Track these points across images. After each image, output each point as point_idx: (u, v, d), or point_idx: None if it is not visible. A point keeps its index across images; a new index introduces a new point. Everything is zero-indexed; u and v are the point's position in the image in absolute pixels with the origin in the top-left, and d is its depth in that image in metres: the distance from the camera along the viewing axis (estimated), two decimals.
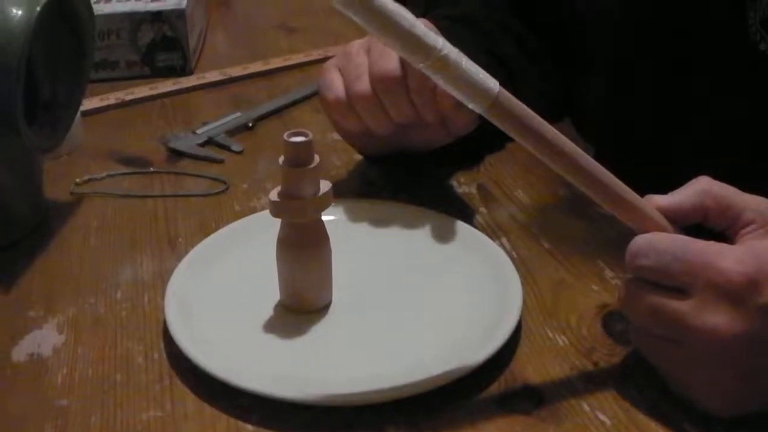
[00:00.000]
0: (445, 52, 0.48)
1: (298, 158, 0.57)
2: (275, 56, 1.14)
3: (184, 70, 1.10)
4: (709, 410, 0.53)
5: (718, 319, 0.49)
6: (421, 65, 0.48)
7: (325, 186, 0.59)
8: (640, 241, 0.53)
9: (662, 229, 0.54)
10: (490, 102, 0.50)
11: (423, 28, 0.48)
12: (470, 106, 0.50)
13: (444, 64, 0.48)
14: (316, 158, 0.58)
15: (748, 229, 0.53)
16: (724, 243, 0.52)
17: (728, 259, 0.50)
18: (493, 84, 0.50)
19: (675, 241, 0.52)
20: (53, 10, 0.68)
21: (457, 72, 0.48)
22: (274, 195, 0.58)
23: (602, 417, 0.54)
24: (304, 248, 0.60)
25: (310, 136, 0.57)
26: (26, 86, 0.65)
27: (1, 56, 0.63)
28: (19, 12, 0.65)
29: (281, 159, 0.57)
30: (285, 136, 0.57)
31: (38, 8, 0.65)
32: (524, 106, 0.51)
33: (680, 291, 0.51)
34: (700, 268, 0.50)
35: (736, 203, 0.54)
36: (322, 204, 0.59)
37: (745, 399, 0.52)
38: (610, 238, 0.72)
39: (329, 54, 1.14)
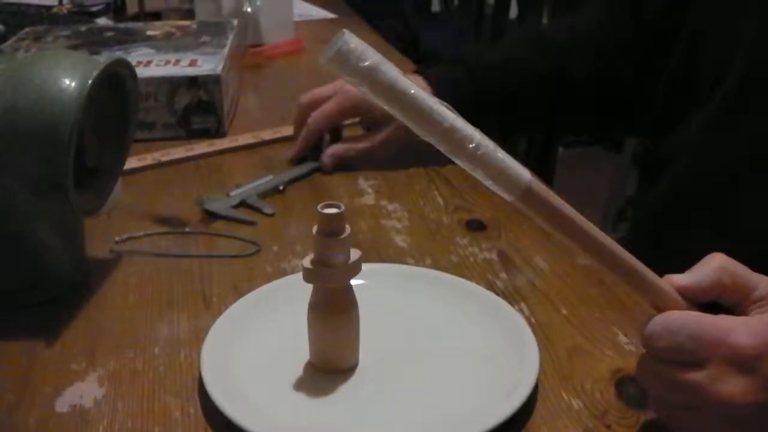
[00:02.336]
0: (480, 149, 0.50)
1: (331, 228, 0.60)
2: None
3: (218, 133, 1.14)
4: None
5: (732, 388, 0.52)
6: (456, 158, 0.51)
7: (355, 254, 0.62)
8: (654, 324, 0.55)
9: (677, 306, 0.57)
10: (521, 192, 0.52)
11: (461, 123, 0.50)
12: (502, 194, 0.52)
13: (478, 157, 0.50)
14: (348, 228, 0.61)
15: (758, 304, 0.56)
16: (734, 316, 0.55)
17: (739, 333, 0.53)
18: (524, 174, 0.52)
19: (687, 320, 0.54)
20: (103, 80, 0.72)
21: (490, 162, 0.51)
22: (307, 262, 0.62)
23: None
24: (333, 313, 0.63)
25: (343, 208, 0.61)
26: (75, 153, 0.69)
27: (55, 127, 0.67)
28: (73, 84, 0.69)
29: (315, 228, 0.61)
30: (319, 207, 0.60)
31: (90, 80, 0.69)
32: (555, 195, 0.54)
33: (695, 364, 0.53)
34: (713, 344, 0.53)
35: (749, 281, 0.57)
36: (352, 271, 0.62)
37: None
38: (625, 305, 0.75)
39: (358, 119, 1.18)
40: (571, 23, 1.09)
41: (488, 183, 0.52)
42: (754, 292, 0.56)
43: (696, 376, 0.53)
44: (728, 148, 0.84)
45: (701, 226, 0.86)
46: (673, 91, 0.94)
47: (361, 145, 1.05)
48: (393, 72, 0.49)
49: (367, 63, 0.48)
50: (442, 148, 0.51)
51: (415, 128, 0.51)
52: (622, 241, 0.79)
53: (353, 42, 0.48)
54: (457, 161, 0.51)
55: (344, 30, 0.49)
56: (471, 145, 0.50)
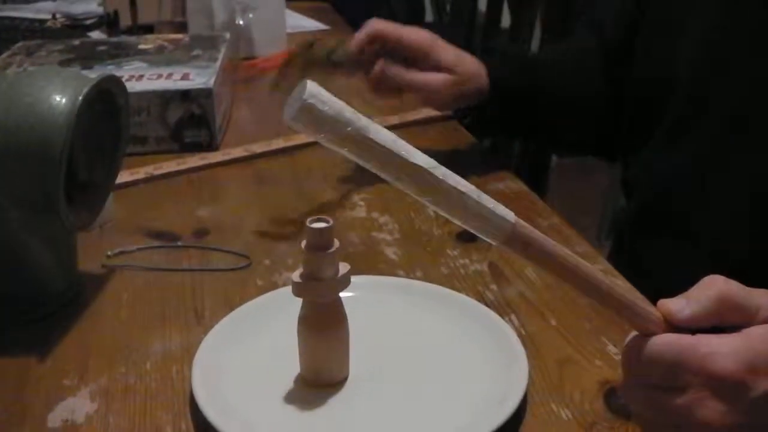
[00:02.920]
0: (464, 196, 0.48)
1: (320, 242, 0.61)
2: (297, 133, 1.18)
3: (210, 146, 1.15)
4: None
5: (711, 413, 0.51)
6: (424, 200, 0.48)
7: (344, 268, 0.63)
8: (633, 352, 0.54)
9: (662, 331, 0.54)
10: (506, 236, 0.50)
11: (444, 170, 0.48)
12: (487, 239, 0.50)
13: (463, 203, 0.48)
14: (336, 243, 0.62)
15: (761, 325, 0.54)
16: (723, 334, 0.53)
17: (719, 358, 0.51)
18: (509, 217, 0.50)
19: (667, 347, 0.52)
20: (93, 97, 0.72)
21: (474, 210, 0.49)
22: (296, 276, 0.62)
23: None
24: (323, 327, 0.64)
25: (332, 222, 0.61)
26: (66, 169, 0.70)
27: (46, 144, 0.67)
28: (63, 101, 0.69)
29: (303, 243, 0.61)
30: (308, 222, 0.61)
31: (80, 97, 0.70)
32: (540, 235, 0.52)
33: (677, 388, 0.52)
34: (692, 371, 0.51)
35: (750, 304, 0.54)
36: (341, 285, 0.63)
37: None
38: (614, 316, 0.75)
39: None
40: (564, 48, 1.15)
41: (471, 229, 0.50)
42: (758, 315, 0.54)
43: (678, 400, 0.52)
44: (680, 165, 0.89)
45: (667, 238, 0.91)
46: (634, 115, 0.98)
47: (417, 78, 1.01)
48: (365, 121, 0.47)
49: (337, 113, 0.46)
50: (424, 198, 0.48)
51: (392, 176, 0.48)
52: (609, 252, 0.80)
53: (318, 92, 0.45)
54: (438, 209, 0.49)
55: (306, 81, 0.45)
56: (456, 191, 0.48)
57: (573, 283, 0.54)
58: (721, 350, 0.51)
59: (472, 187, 0.49)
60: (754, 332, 0.53)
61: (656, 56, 0.93)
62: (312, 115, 0.45)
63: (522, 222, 0.51)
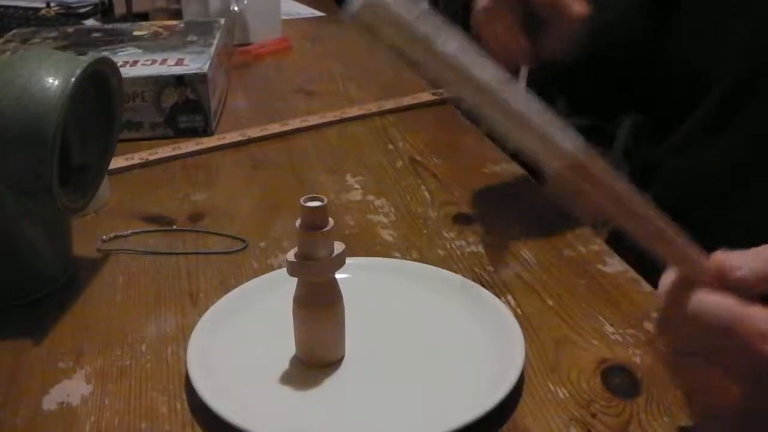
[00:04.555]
0: (521, 108, 0.46)
1: (314, 221, 0.60)
2: (293, 118, 1.19)
3: (205, 131, 1.15)
4: None
5: (743, 400, 0.47)
6: (487, 113, 0.46)
7: (339, 247, 0.63)
8: (676, 298, 0.48)
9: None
10: (569, 160, 0.47)
11: (497, 76, 0.45)
12: (548, 162, 0.47)
13: (517, 118, 0.46)
14: (331, 221, 0.61)
15: None
16: None
17: None
18: (575, 141, 0.47)
19: (721, 310, 0.47)
20: (86, 78, 0.72)
21: (533, 127, 0.46)
22: (291, 256, 0.62)
23: None
24: (318, 306, 0.63)
25: (325, 200, 0.61)
26: (59, 152, 0.69)
27: (39, 126, 0.67)
28: (56, 82, 0.69)
29: (298, 222, 0.61)
30: (301, 200, 0.61)
31: (73, 78, 0.69)
32: (602, 166, 0.48)
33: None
34: (742, 348, 0.46)
35: None
36: (336, 264, 0.63)
37: None
38: (611, 295, 0.75)
39: (345, 116, 1.19)
40: None
41: (533, 149, 0.47)
42: None
43: (711, 369, 0.48)
44: (721, 149, 0.85)
45: (699, 226, 0.87)
46: (668, 93, 0.95)
47: None
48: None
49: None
50: (487, 112, 0.46)
51: (456, 87, 0.46)
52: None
53: None
54: (500, 125, 0.46)
55: None
56: (520, 110, 0.46)
57: (625, 220, 0.49)
58: None
59: (541, 106, 0.46)
60: None
61: (699, 44, 0.89)
62: (374, 13, 0.43)
63: (587, 149, 0.47)
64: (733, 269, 0.48)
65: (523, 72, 0.87)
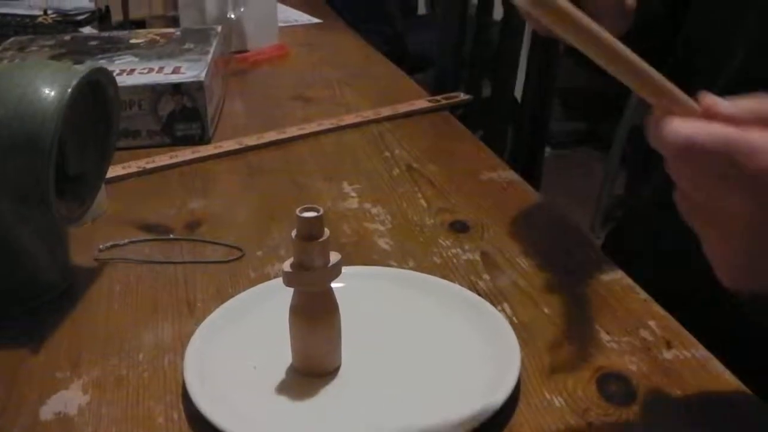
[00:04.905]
0: None
1: (310, 232, 0.61)
2: (290, 125, 1.19)
3: (202, 139, 1.15)
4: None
5: (741, 208, 0.49)
6: None
7: (335, 257, 0.63)
8: (679, 140, 0.49)
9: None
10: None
11: None
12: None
13: None
14: (326, 232, 0.62)
15: None
16: None
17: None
18: None
19: (713, 136, 0.48)
20: (83, 88, 0.72)
21: None
22: (287, 266, 0.62)
23: None
24: (314, 316, 0.64)
25: (321, 211, 0.61)
26: (56, 161, 0.69)
27: (35, 136, 0.67)
28: (52, 93, 0.69)
29: (294, 232, 0.61)
30: (297, 211, 0.61)
31: (70, 89, 0.70)
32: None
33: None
34: (738, 165, 0.48)
35: None
36: (332, 275, 0.63)
37: (749, 281, 0.54)
38: (607, 302, 0.75)
39: (342, 123, 1.19)
40: None
41: None
42: None
43: (711, 188, 0.50)
44: None
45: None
46: (684, 74, 0.94)
47: None
48: None
49: None
50: None
51: None
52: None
53: None
54: None
55: None
56: None
57: (607, 60, 0.50)
58: None
59: None
60: None
61: (712, 31, 0.87)
62: None
63: None
64: (721, 106, 0.50)
65: None
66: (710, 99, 0.51)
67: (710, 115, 0.50)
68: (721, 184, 0.49)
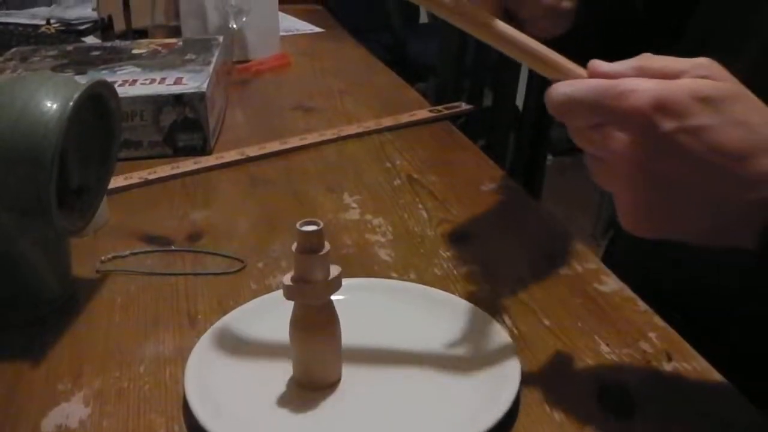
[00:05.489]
0: None
1: (310, 245, 0.61)
2: (292, 136, 1.19)
3: (204, 150, 1.15)
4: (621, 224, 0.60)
5: (620, 145, 0.56)
6: None
7: (335, 270, 0.63)
8: (559, 98, 0.58)
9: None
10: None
11: None
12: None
13: None
14: (327, 245, 0.62)
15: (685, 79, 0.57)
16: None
17: (632, 95, 0.55)
18: None
19: (588, 87, 0.57)
20: (84, 101, 0.72)
21: None
22: (287, 279, 0.62)
23: None
24: (314, 329, 0.64)
25: (321, 225, 0.61)
26: (58, 174, 0.70)
27: (37, 150, 0.67)
28: (54, 106, 0.69)
29: (294, 246, 0.61)
30: (298, 225, 0.61)
31: (71, 102, 0.70)
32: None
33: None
34: (610, 109, 0.56)
35: (674, 68, 0.57)
36: (332, 288, 0.63)
37: (647, 227, 0.60)
38: (607, 314, 0.76)
39: (344, 134, 1.20)
40: None
41: None
42: (682, 76, 0.57)
43: (595, 134, 0.57)
44: None
45: None
46: None
47: None
48: None
49: None
50: None
51: None
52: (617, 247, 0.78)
53: None
54: None
55: None
56: None
57: (498, 45, 0.62)
58: (638, 88, 0.55)
59: None
60: (676, 81, 0.56)
61: (723, 24, 0.88)
62: None
63: None
64: (602, 66, 0.58)
65: None
66: (595, 62, 0.59)
67: (593, 75, 0.58)
68: (602, 131, 0.57)
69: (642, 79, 0.56)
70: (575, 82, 0.58)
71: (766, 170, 0.55)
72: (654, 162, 0.56)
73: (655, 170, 0.56)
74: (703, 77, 0.56)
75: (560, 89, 0.58)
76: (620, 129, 0.56)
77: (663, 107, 0.54)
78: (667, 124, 0.54)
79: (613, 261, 0.88)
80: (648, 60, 0.58)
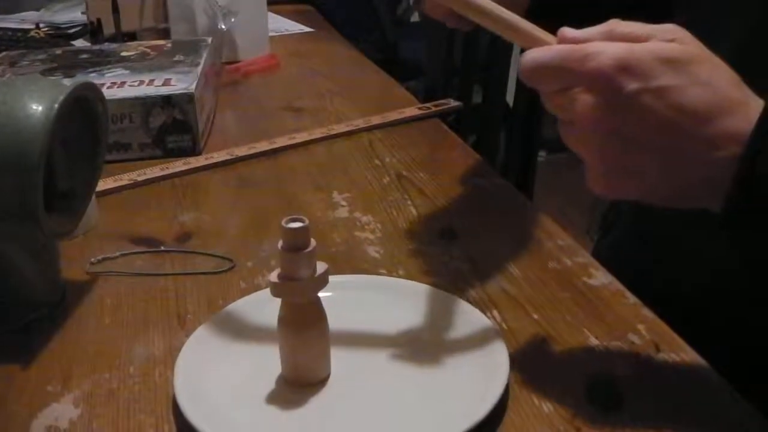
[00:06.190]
0: None
1: (296, 242, 0.61)
2: (281, 136, 1.19)
3: (193, 151, 1.15)
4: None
5: (584, 107, 0.57)
6: None
7: (321, 267, 0.63)
8: (528, 64, 0.59)
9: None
10: None
11: None
12: None
13: None
14: (312, 242, 0.62)
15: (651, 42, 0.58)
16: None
17: (596, 57, 0.56)
18: None
19: (553, 52, 0.58)
20: (70, 104, 0.72)
21: None
22: (274, 276, 0.62)
23: None
24: (302, 326, 0.64)
25: (307, 221, 0.61)
26: (45, 177, 0.70)
27: (24, 152, 0.67)
28: (39, 108, 0.69)
29: (280, 243, 0.62)
30: (283, 222, 0.61)
31: (57, 104, 0.70)
32: None
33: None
34: (576, 72, 0.57)
35: (641, 33, 0.58)
36: (319, 285, 0.63)
37: (614, 188, 0.61)
38: (596, 308, 0.76)
39: (333, 132, 1.20)
40: None
41: None
42: (651, 39, 0.58)
43: (562, 98, 0.59)
44: None
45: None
46: None
47: None
48: None
49: None
50: None
51: None
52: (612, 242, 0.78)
53: None
54: None
55: None
56: None
57: (471, 14, 0.63)
58: (602, 50, 0.56)
59: None
60: (641, 44, 0.57)
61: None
62: None
63: None
64: (570, 33, 0.59)
65: None
66: (564, 29, 0.60)
67: (563, 42, 0.60)
68: (570, 95, 0.58)
69: (607, 42, 0.57)
70: (543, 48, 0.59)
71: (730, 130, 0.56)
72: (618, 123, 0.57)
73: (619, 131, 0.57)
74: (669, 41, 0.57)
75: (529, 55, 0.59)
76: (585, 91, 0.57)
77: (626, 68, 0.55)
78: (630, 85, 0.55)
79: (601, 258, 0.88)
80: (616, 25, 0.59)
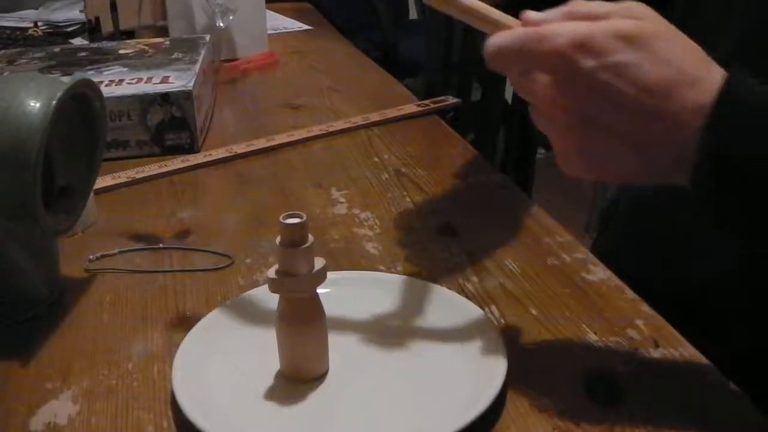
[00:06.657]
0: None
1: (293, 238, 0.61)
2: (279, 133, 1.19)
3: (191, 148, 1.15)
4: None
5: (541, 87, 0.58)
6: None
7: (319, 263, 0.63)
8: (490, 49, 0.59)
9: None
10: None
11: None
12: None
13: None
14: (310, 238, 0.62)
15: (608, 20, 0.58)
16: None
17: (553, 37, 0.56)
18: None
19: (513, 36, 0.58)
20: (68, 101, 0.72)
21: None
22: (272, 272, 0.62)
23: None
24: (300, 322, 0.64)
25: (304, 217, 0.61)
26: (43, 174, 0.70)
27: (21, 149, 0.67)
28: (37, 105, 0.69)
29: (278, 239, 0.62)
30: (281, 218, 0.61)
31: (54, 101, 0.70)
32: None
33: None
34: (535, 54, 0.57)
35: (600, 11, 0.58)
36: (317, 281, 0.63)
37: (580, 168, 0.61)
38: (595, 303, 0.76)
39: (331, 129, 1.20)
40: None
41: None
42: (610, 17, 0.57)
43: (520, 78, 0.59)
44: None
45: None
46: None
47: None
48: None
49: None
50: None
51: None
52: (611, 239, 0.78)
53: None
54: None
55: None
56: None
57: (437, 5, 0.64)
58: (559, 31, 0.56)
59: None
60: (599, 21, 0.57)
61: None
62: None
63: None
64: (532, 14, 0.59)
65: None
66: (526, 12, 0.60)
67: (526, 25, 0.59)
68: (532, 77, 0.59)
69: (565, 22, 0.57)
70: (505, 32, 0.59)
71: (690, 103, 0.56)
72: (578, 101, 0.57)
73: (580, 110, 0.57)
74: (629, 18, 0.57)
75: (491, 40, 0.59)
76: (544, 72, 0.57)
77: (582, 46, 0.55)
78: (587, 62, 0.55)
79: (599, 254, 0.88)
80: (576, 5, 0.59)
